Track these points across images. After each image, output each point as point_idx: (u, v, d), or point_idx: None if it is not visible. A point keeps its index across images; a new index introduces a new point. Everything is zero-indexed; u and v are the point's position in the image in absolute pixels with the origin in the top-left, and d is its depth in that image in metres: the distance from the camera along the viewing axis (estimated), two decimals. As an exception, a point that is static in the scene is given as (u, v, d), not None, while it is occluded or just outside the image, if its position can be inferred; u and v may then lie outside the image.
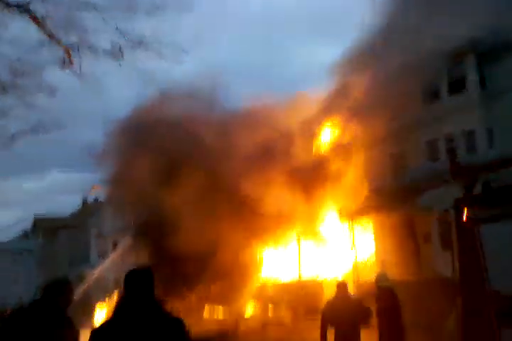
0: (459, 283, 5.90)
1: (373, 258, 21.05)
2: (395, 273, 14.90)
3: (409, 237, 18.01)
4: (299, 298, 20.17)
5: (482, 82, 18.10)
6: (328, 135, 24.23)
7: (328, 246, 23.86)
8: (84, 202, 57.77)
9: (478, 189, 5.94)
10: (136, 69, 12.78)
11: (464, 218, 5.54)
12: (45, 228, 51.75)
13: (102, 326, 3.34)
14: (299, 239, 23.53)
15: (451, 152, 5.42)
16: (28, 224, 58.00)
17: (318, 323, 7.78)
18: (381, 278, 8.21)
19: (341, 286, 7.87)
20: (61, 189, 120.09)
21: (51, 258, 50.04)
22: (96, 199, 55.28)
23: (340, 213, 22.01)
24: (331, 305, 7.70)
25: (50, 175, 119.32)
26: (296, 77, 71.12)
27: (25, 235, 63.17)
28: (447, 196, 6.27)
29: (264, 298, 21.29)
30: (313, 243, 23.91)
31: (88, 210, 51.28)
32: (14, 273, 52.53)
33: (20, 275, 51.98)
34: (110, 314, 3.35)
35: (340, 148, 21.86)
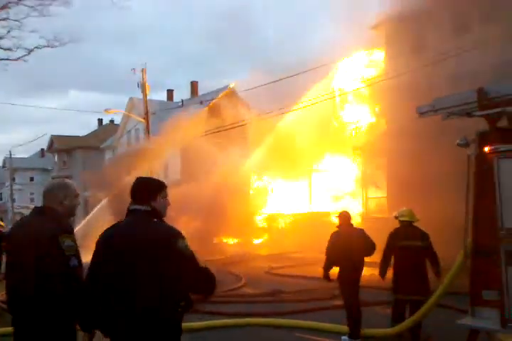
0: (472, 222, 5.57)
1: (384, 196, 20.98)
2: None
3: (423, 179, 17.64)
4: (308, 228, 20.37)
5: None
6: (349, 69, 23.34)
7: (340, 181, 23.82)
8: (100, 124, 57.96)
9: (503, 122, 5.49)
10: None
11: (486, 151, 5.11)
12: (61, 147, 52.01)
13: (105, 232, 3.33)
14: (310, 173, 23.47)
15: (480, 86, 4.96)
16: (44, 143, 58.81)
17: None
18: (404, 213, 7.42)
19: (343, 216, 7.69)
20: (80, 108, 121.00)
21: (66, 178, 50.55)
22: (112, 121, 55.42)
23: (355, 150, 21.67)
24: (335, 235, 7.56)
25: (69, 94, 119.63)
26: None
27: (42, 154, 64.21)
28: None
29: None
30: (325, 178, 23.84)
31: (105, 131, 51.30)
32: (31, 192, 53.92)
33: (37, 194, 53.34)
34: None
35: (362, 83, 21.05)
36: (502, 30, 15.10)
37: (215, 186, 20.93)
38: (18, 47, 22.04)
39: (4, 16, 19.29)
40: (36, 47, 22.33)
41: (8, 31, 20.57)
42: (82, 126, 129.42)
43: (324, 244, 7.73)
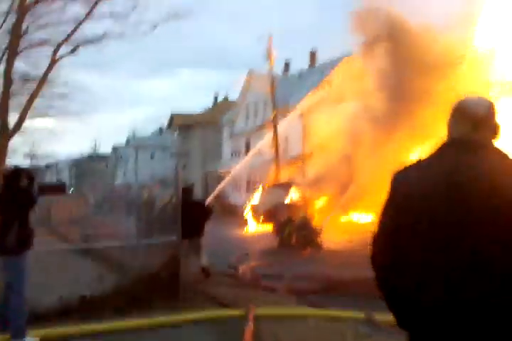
0: None
1: None
2: None
3: None
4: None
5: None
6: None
7: None
8: (216, 101, 57.79)
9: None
10: None
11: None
12: (180, 124, 52.90)
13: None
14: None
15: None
16: (163, 121, 60.23)
17: None
18: None
19: None
20: (192, 87, 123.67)
21: (185, 154, 51.27)
22: (226, 98, 54.84)
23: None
24: None
25: (181, 74, 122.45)
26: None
27: (160, 132, 66.20)
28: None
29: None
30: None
31: (220, 108, 51.13)
32: (151, 168, 55.28)
33: (157, 170, 54.38)
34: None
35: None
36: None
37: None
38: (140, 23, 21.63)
39: None
40: (153, 23, 21.70)
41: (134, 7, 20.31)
42: (197, 104, 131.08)
43: None
